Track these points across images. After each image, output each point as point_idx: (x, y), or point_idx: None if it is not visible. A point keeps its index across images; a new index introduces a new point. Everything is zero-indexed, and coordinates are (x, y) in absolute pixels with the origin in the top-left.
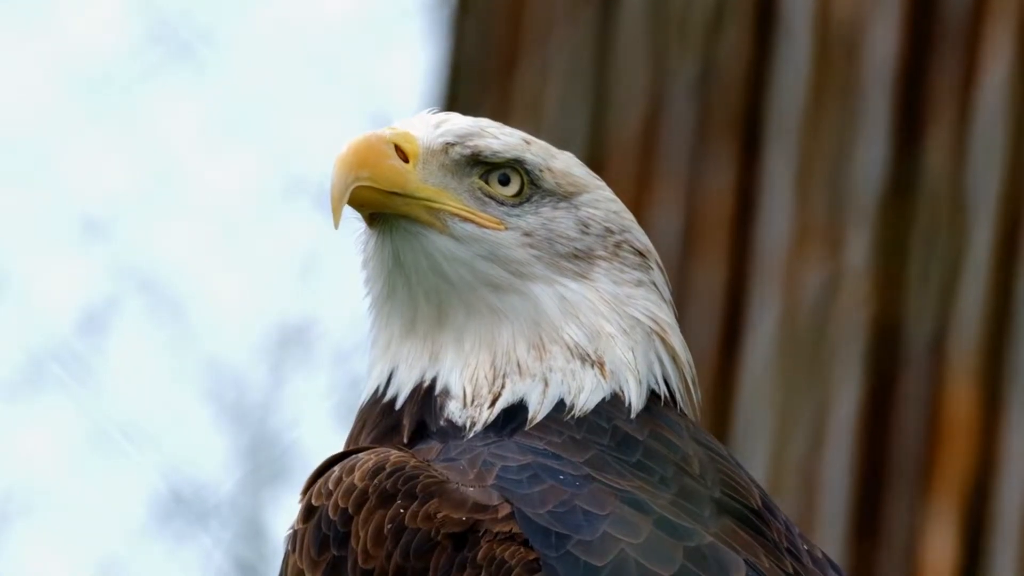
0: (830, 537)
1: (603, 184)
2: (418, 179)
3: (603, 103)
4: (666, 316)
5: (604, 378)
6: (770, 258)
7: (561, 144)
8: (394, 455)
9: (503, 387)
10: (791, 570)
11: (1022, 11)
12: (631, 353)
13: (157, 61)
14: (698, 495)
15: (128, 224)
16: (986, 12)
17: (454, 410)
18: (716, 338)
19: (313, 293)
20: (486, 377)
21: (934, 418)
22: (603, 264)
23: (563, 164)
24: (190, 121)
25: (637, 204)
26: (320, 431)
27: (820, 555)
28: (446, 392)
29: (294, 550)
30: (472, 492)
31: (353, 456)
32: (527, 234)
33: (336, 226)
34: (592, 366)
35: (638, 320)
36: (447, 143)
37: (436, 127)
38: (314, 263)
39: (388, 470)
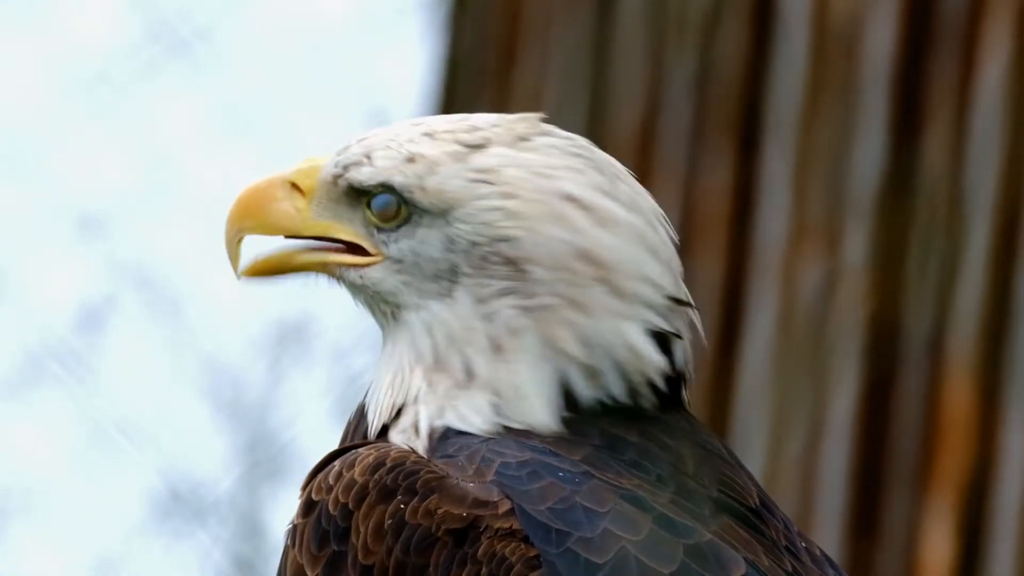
0: (828, 534)
1: (500, 186)
2: (308, 216)
3: (601, 100)
4: (527, 324)
5: (501, 399)
6: (768, 255)
7: None
8: (394, 450)
9: (418, 415)
10: (790, 568)
11: (1020, 8)
12: (512, 367)
13: (155, 59)
14: (696, 494)
15: (126, 221)
16: (984, 10)
17: (390, 433)
18: (714, 335)
19: (311, 290)
20: (389, 406)
21: (932, 415)
22: (467, 280)
23: (438, 181)
24: (188, 119)
25: None
26: (318, 428)
27: (819, 553)
28: (376, 412)
29: (294, 545)
30: (472, 488)
31: (353, 451)
32: (397, 261)
33: (237, 276)
34: (482, 388)
35: (492, 337)
36: (335, 175)
37: (336, 155)
38: None
39: (388, 465)
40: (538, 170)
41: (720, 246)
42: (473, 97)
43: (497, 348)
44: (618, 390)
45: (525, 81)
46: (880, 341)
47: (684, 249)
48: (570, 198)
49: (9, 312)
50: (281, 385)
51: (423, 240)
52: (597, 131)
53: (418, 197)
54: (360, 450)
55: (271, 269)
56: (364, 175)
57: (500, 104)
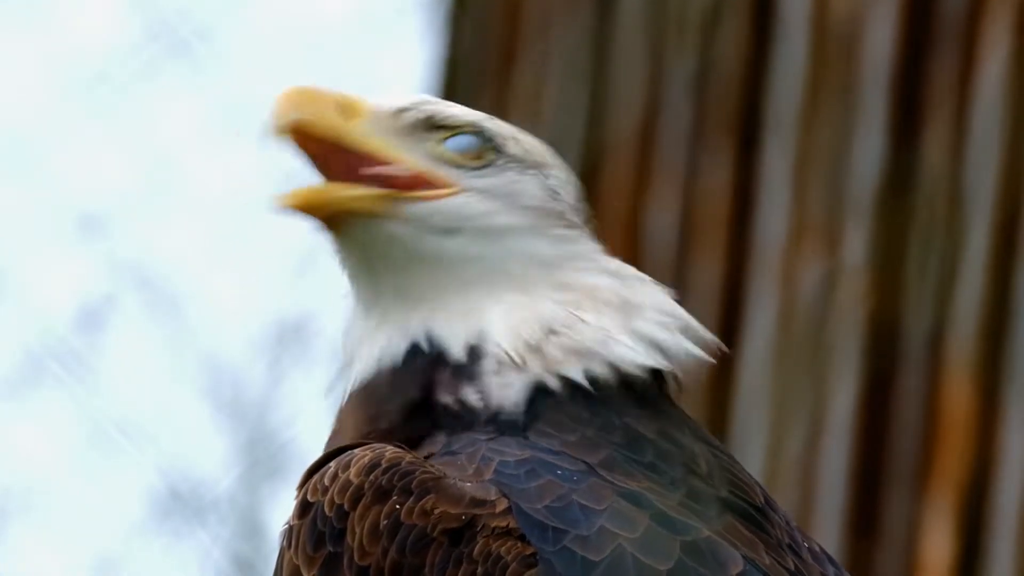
0: (827, 534)
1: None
2: (360, 132)
3: (601, 100)
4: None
5: (640, 343)
6: (768, 255)
7: (559, 141)
8: (389, 451)
9: (580, 336)
10: (792, 567)
11: (1019, 8)
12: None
13: (155, 58)
14: (705, 495)
15: (126, 221)
16: (983, 9)
17: (488, 378)
18: (714, 334)
19: (310, 289)
20: (528, 332)
21: (932, 415)
22: (575, 230)
23: (529, 140)
24: (188, 118)
25: (635, 201)
26: (318, 427)
27: (818, 549)
28: (485, 352)
29: (289, 546)
30: (469, 487)
31: (348, 452)
32: (485, 192)
33: (271, 137)
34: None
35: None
36: (399, 107)
37: (387, 95)
38: (311, 259)
39: (384, 466)
40: None
41: (720, 246)
42: (473, 97)
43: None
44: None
45: (525, 81)
46: (880, 340)
47: (684, 249)
48: None
49: (9, 312)
50: (281, 384)
51: (517, 181)
52: (597, 131)
53: (510, 145)
54: (355, 451)
55: (317, 204)
56: (455, 111)
57: (500, 104)
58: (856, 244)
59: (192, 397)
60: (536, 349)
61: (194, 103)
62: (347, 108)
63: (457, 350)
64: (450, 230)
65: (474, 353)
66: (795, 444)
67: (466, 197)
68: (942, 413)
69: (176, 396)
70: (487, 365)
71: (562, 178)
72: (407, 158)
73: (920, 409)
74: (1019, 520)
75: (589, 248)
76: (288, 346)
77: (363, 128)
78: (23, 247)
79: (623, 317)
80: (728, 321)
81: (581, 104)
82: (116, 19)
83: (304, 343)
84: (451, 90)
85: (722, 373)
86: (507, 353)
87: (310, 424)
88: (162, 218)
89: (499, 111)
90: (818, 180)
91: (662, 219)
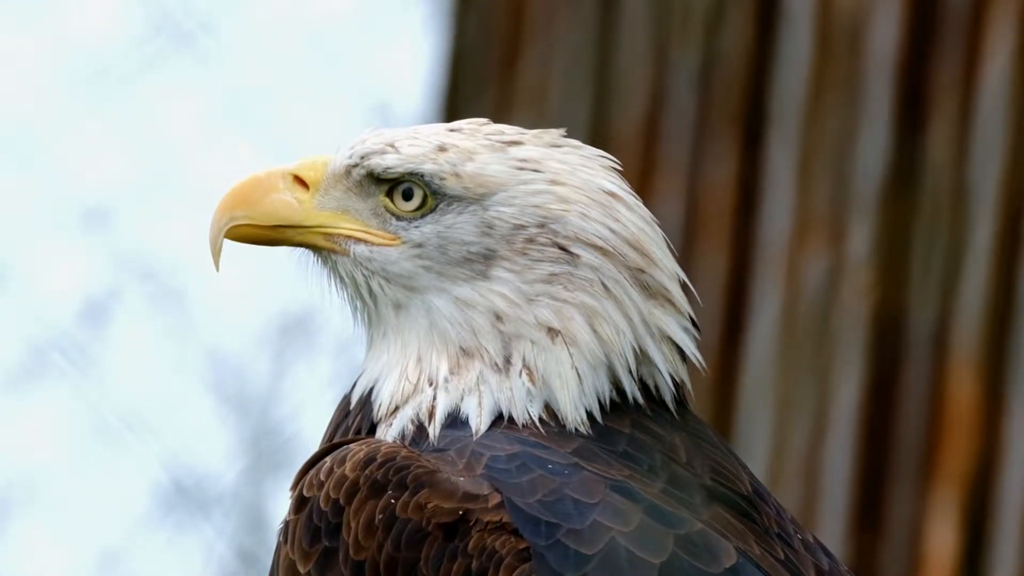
0: (831, 528)
1: (547, 173)
2: (311, 207)
3: (605, 94)
4: (573, 311)
5: (534, 385)
6: (772, 248)
7: None
8: (384, 446)
9: (435, 399)
10: (782, 556)
11: (1023, 3)
12: (560, 355)
13: (158, 51)
14: (688, 483)
15: (129, 214)
16: (988, 4)
17: (406, 420)
18: (718, 328)
19: (314, 282)
20: (408, 391)
21: (936, 409)
22: (505, 264)
23: (476, 167)
24: (191, 111)
25: (639, 195)
26: (322, 421)
27: (811, 540)
28: (381, 402)
29: (286, 541)
30: (462, 482)
31: (344, 447)
32: (418, 245)
33: (216, 268)
34: (519, 374)
35: (539, 322)
36: (349, 165)
37: (350, 148)
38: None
39: (379, 461)
40: (577, 166)
41: (724, 240)
42: (477, 92)
43: (548, 332)
44: (649, 384)
45: (529, 75)
46: (884, 334)
47: (688, 243)
48: (611, 193)
49: (13, 304)
50: (285, 378)
51: (451, 225)
52: (601, 125)
53: (449, 184)
54: (351, 446)
55: (262, 236)
56: (389, 162)
57: (504, 98)
58: (860, 238)
59: (196, 391)
60: (409, 403)
61: (197, 96)
62: (301, 178)
63: (358, 396)
64: (380, 274)
65: (367, 402)
66: (799, 438)
67: (396, 251)
68: (946, 407)
69: (180, 390)
70: (378, 414)
71: (509, 197)
72: (348, 225)
73: (924, 403)
74: (1023, 513)
75: (493, 295)
76: (292, 340)
77: (315, 201)
78: (27, 240)
79: (495, 376)
80: (732, 315)
81: (585, 98)
82: (120, 12)
83: (308, 337)
84: (455, 85)
85: (726, 367)
86: (385, 407)
87: (314, 418)
88: (166, 211)
89: (503, 105)
90: (822, 174)
91: (666, 212)
